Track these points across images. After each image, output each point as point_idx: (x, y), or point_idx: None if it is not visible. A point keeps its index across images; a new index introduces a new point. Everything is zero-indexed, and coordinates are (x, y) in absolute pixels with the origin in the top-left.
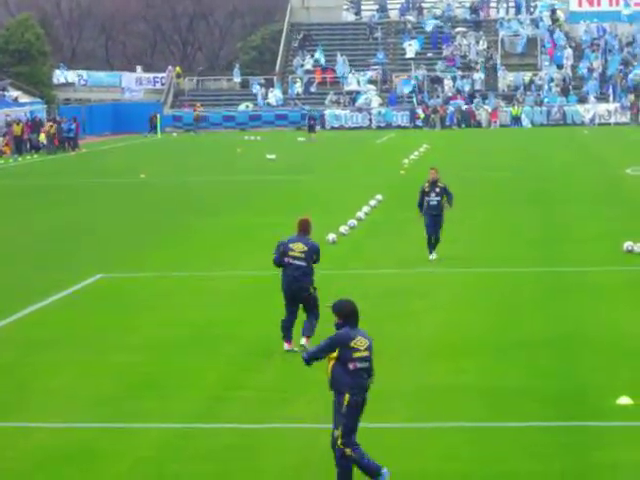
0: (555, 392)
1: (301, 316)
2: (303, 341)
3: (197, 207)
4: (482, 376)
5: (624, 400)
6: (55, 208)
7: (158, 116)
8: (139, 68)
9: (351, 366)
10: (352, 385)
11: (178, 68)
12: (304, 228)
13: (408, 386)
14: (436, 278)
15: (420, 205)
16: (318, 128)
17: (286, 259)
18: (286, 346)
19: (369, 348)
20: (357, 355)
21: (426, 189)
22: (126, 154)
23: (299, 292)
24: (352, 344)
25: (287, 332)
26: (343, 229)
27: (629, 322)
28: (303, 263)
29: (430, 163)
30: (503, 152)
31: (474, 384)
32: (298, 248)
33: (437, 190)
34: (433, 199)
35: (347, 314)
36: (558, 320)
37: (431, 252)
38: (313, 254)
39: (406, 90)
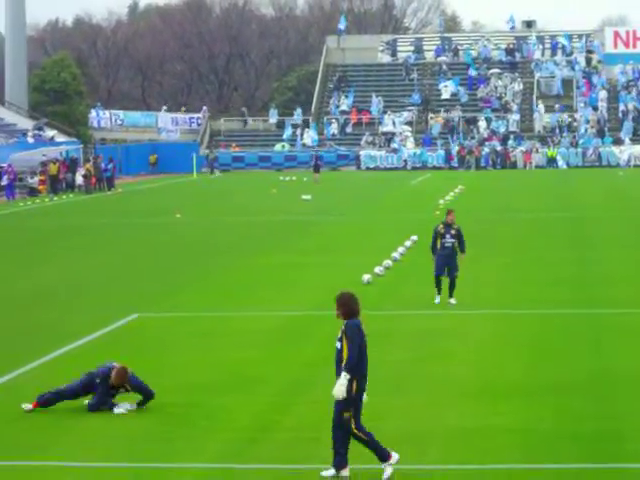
0: (590, 434)
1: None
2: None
3: (232, 247)
4: (515, 418)
5: None
6: (92, 247)
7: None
8: (164, 108)
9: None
10: (363, 372)
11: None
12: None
13: (440, 427)
14: (469, 319)
15: (433, 246)
16: (323, 169)
17: None
18: None
19: None
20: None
21: (441, 230)
22: (162, 194)
23: None
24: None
25: None
26: (378, 270)
27: None
28: None
29: (465, 204)
30: (538, 193)
31: (507, 426)
32: None
33: (452, 232)
34: (448, 241)
35: (348, 304)
36: (591, 362)
37: (439, 293)
38: None
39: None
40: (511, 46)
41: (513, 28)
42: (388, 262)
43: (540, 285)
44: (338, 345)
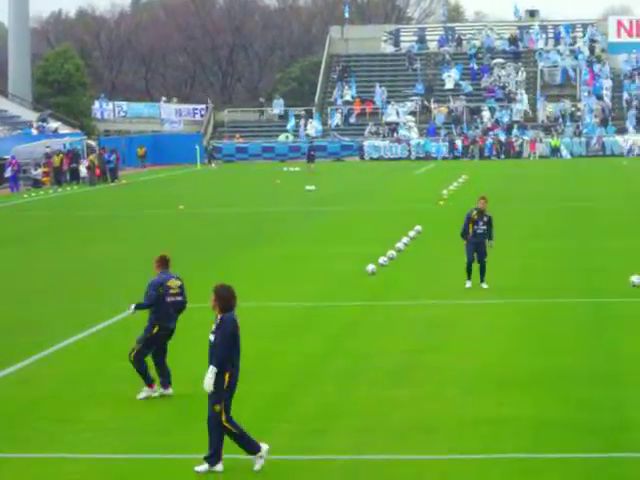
0: (600, 424)
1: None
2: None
3: (235, 238)
4: (525, 408)
5: None
6: (94, 239)
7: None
8: (163, 99)
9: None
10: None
11: None
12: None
13: (450, 418)
14: (475, 309)
15: (465, 232)
16: (315, 160)
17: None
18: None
19: None
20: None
21: (474, 217)
22: (165, 185)
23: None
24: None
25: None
26: (382, 260)
27: None
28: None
29: (469, 194)
30: (542, 183)
31: (517, 415)
32: (175, 284)
33: (485, 219)
34: (480, 227)
35: (227, 298)
36: (601, 352)
37: (469, 278)
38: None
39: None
40: (514, 36)
41: (518, 17)
42: (392, 252)
43: (545, 274)
44: (212, 338)
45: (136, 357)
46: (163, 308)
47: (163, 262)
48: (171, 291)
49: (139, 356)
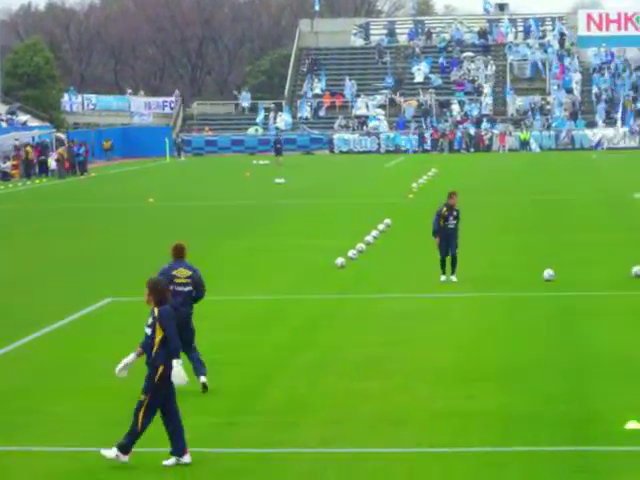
0: (565, 417)
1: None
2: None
3: (204, 231)
4: (490, 401)
5: (632, 425)
6: (64, 232)
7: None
8: (129, 92)
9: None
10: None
11: None
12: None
13: (418, 411)
14: (444, 303)
15: (436, 231)
16: (283, 152)
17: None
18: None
19: None
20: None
21: (444, 213)
22: (135, 178)
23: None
24: None
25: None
26: (352, 253)
27: (637, 346)
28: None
29: (439, 187)
30: (510, 176)
31: (484, 409)
32: (183, 274)
33: (454, 214)
34: (451, 222)
35: (161, 291)
36: (569, 345)
37: (444, 272)
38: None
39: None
40: (484, 29)
41: (488, 10)
42: (361, 246)
43: (513, 267)
44: (148, 331)
45: None
46: None
47: (175, 251)
48: (176, 280)
49: None
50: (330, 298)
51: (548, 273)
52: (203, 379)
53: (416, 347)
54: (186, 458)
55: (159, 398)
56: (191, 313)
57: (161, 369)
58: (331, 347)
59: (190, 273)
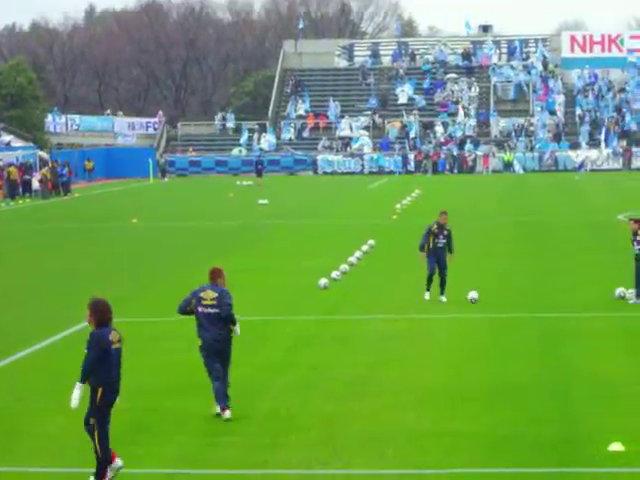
0: (548, 438)
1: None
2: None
3: (188, 252)
4: (474, 422)
5: (615, 447)
6: (46, 253)
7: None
8: (107, 112)
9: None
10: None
11: None
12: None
13: (400, 432)
14: (429, 324)
15: (423, 245)
16: (264, 173)
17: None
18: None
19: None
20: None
21: (435, 230)
22: (118, 199)
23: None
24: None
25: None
26: (335, 274)
27: (620, 368)
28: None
29: (423, 208)
30: (494, 198)
31: (467, 430)
32: (209, 295)
33: (445, 233)
34: (441, 241)
35: (102, 312)
36: (554, 367)
37: (428, 289)
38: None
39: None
40: (467, 51)
41: (469, 32)
42: (345, 267)
43: (497, 291)
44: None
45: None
46: (197, 319)
47: (210, 274)
48: (203, 302)
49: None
50: (315, 319)
51: (472, 296)
52: (218, 410)
53: (403, 368)
54: (117, 462)
55: (105, 418)
56: (225, 335)
57: (100, 391)
58: (316, 367)
59: (216, 295)
